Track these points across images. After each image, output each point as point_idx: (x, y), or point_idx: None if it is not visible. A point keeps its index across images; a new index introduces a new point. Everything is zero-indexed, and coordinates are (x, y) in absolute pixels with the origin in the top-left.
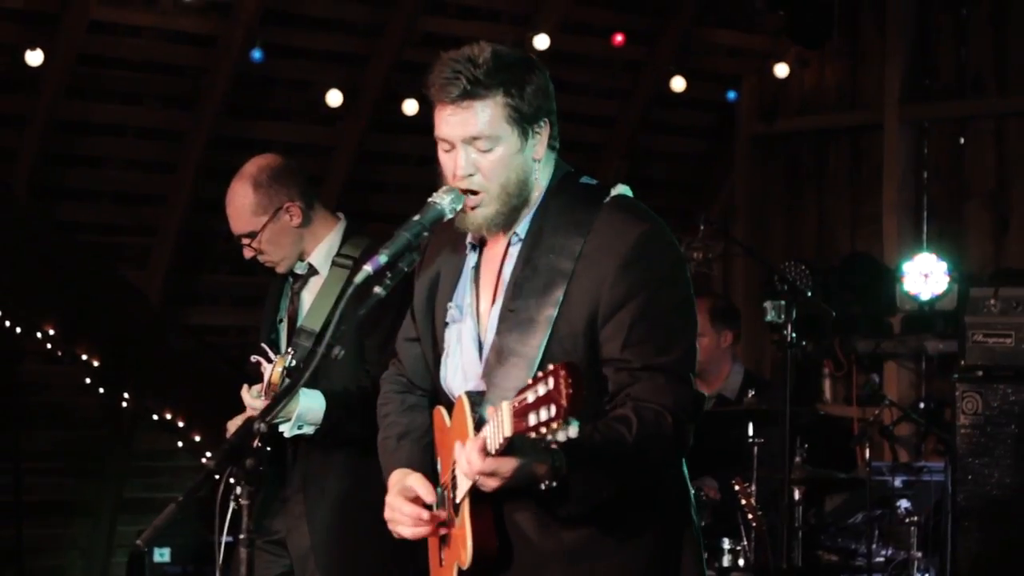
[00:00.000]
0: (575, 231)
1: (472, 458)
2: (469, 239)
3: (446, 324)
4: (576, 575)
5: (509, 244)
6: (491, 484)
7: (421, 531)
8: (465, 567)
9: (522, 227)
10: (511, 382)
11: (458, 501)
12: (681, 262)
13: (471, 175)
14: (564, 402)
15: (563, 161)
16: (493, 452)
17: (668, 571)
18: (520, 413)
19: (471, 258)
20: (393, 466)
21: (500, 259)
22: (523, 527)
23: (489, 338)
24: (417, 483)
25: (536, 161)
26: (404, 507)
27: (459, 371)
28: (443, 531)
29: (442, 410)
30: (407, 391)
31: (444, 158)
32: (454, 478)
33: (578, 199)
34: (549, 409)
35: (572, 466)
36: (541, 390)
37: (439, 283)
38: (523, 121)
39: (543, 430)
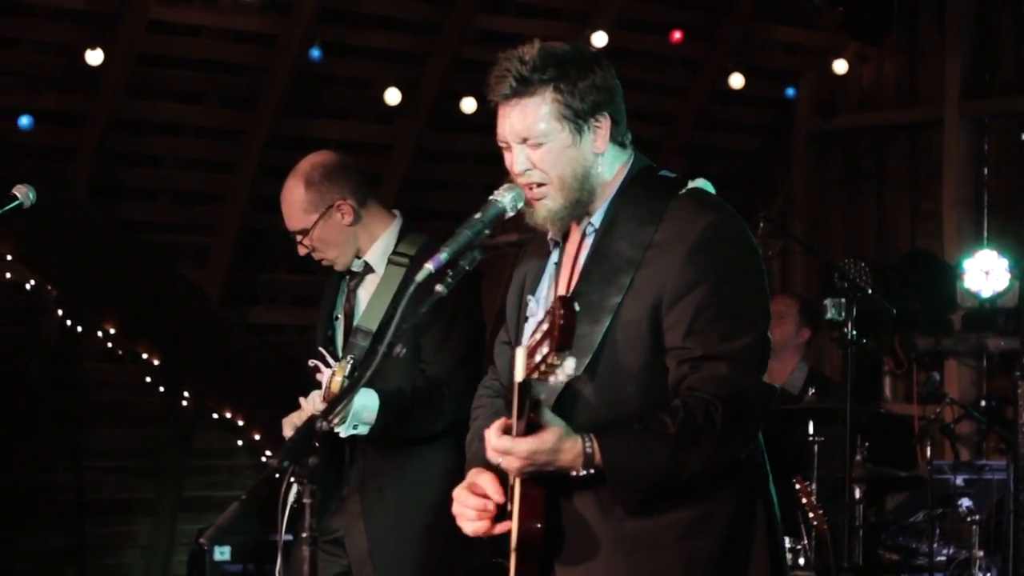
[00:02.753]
0: (647, 220)
1: (490, 436)
2: (551, 235)
3: (526, 319)
4: (636, 564)
5: (584, 235)
6: (511, 465)
7: (482, 526)
8: (512, 548)
9: (596, 217)
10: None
11: (511, 484)
12: (754, 252)
13: (527, 170)
14: (556, 333)
15: (642, 155)
16: (514, 432)
17: (734, 569)
18: (530, 353)
19: (554, 254)
20: (471, 466)
21: (576, 250)
22: (583, 514)
23: None
24: (487, 482)
25: (597, 155)
26: (469, 499)
27: None
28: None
29: None
30: (498, 395)
31: (505, 155)
32: None
33: (653, 190)
34: (548, 343)
35: (606, 454)
36: (545, 326)
37: (526, 282)
38: (576, 116)
39: (543, 367)
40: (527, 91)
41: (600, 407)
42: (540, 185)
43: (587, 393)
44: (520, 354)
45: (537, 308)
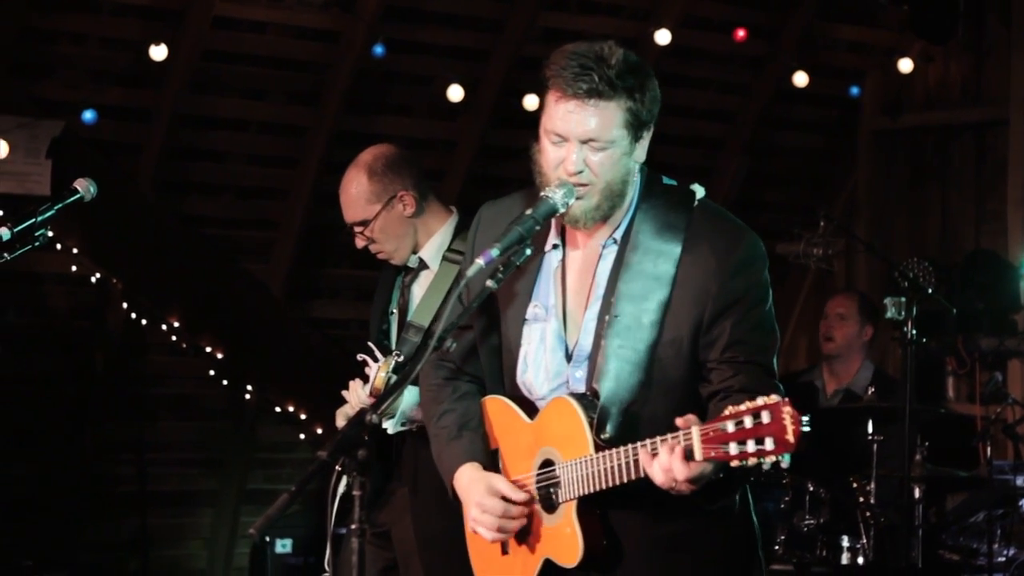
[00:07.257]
0: (671, 236)
1: (676, 466)
2: (552, 240)
3: (524, 320)
4: (673, 561)
5: (604, 247)
6: (688, 488)
7: (505, 535)
8: (574, 564)
9: (619, 232)
10: (623, 384)
11: (562, 500)
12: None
13: (581, 171)
14: (792, 439)
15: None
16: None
17: (741, 555)
18: (715, 440)
19: (552, 257)
20: (457, 458)
21: (594, 262)
22: (624, 522)
23: (581, 340)
24: (503, 485)
25: (636, 164)
26: (510, 509)
27: (541, 369)
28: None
29: (505, 401)
30: (455, 378)
31: (551, 149)
32: (546, 476)
33: (668, 203)
34: (762, 442)
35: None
36: (748, 423)
37: (516, 280)
38: (637, 127)
39: (752, 460)
40: (608, 95)
41: (642, 421)
42: (583, 185)
43: (633, 409)
44: (696, 436)
45: (546, 316)
